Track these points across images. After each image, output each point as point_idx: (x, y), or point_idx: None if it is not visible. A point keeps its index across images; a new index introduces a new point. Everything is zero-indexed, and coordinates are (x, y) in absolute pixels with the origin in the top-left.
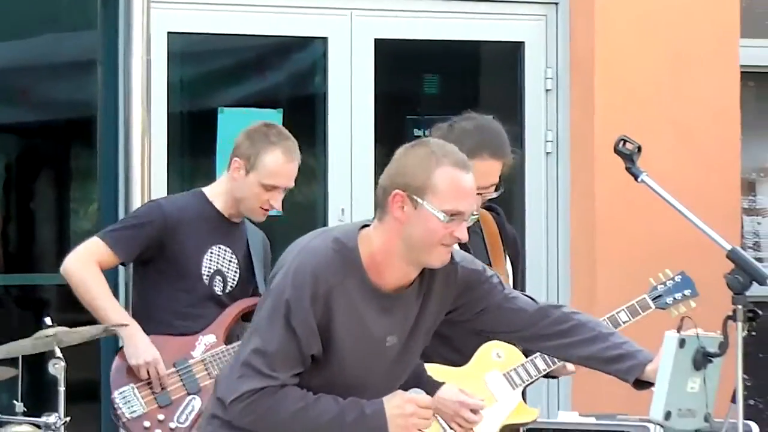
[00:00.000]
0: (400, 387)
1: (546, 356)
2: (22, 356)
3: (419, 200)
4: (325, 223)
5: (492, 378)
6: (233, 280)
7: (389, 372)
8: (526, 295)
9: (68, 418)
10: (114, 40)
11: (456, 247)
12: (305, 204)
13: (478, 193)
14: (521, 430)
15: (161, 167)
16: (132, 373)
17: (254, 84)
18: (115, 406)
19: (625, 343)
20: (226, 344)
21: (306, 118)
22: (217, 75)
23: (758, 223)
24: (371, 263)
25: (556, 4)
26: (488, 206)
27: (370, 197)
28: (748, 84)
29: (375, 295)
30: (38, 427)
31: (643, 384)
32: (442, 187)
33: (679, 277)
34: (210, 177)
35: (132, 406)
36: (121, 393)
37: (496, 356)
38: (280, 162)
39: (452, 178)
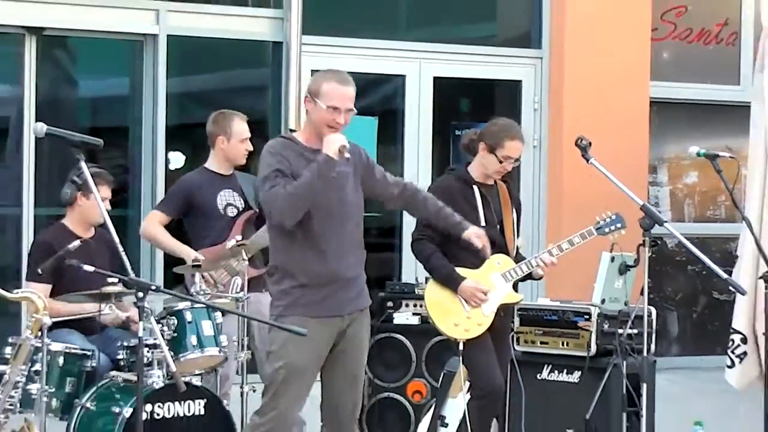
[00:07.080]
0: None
1: (527, 262)
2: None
3: (316, 100)
4: None
5: (494, 276)
6: (240, 207)
7: (343, 205)
8: (397, 179)
9: (250, 295)
10: (278, 76)
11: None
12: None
13: (512, 163)
14: (514, 308)
15: None
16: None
17: (358, 102)
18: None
19: (453, 215)
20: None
21: (391, 124)
22: None
23: (658, 191)
24: (308, 139)
25: (540, 58)
26: (503, 179)
27: (429, 171)
28: (653, 109)
29: (304, 150)
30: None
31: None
32: (324, 92)
33: (614, 215)
34: None
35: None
36: (195, 284)
37: (497, 264)
38: (243, 126)
39: (332, 87)
